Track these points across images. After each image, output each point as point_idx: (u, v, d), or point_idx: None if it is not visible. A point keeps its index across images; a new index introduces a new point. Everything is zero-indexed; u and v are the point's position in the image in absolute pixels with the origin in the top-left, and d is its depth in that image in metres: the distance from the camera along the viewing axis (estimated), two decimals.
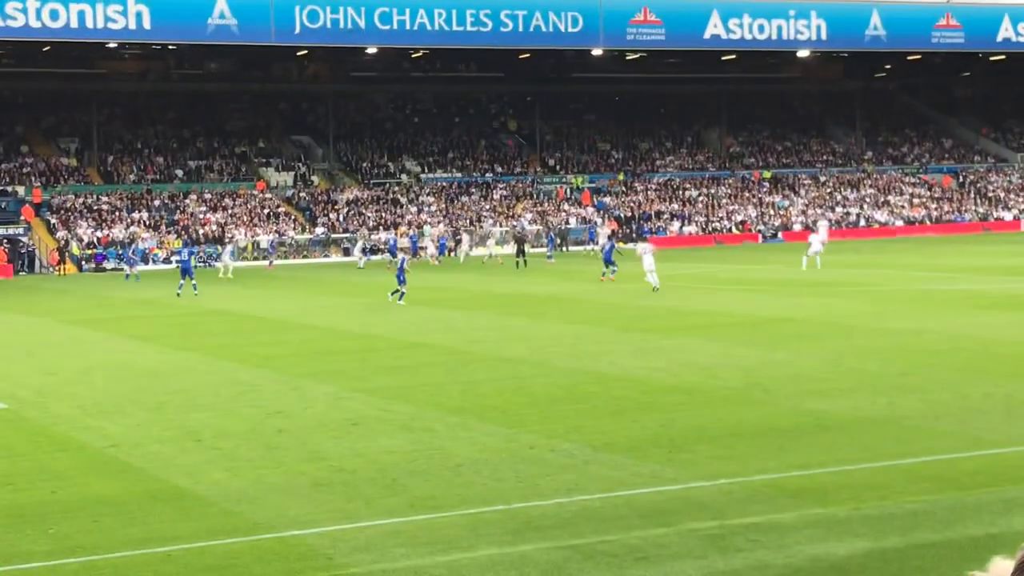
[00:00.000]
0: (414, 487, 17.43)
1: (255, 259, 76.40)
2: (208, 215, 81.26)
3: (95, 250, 74.35)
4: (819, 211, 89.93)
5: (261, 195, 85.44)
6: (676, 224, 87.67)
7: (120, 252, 73.76)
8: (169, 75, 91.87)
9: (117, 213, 79.60)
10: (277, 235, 79.60)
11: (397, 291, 44.92)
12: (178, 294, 50.78)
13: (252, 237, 78.87)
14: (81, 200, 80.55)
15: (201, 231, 78.87)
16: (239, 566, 14.12)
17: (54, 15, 70.71)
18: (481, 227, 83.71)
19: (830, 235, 72.42)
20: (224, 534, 15.28)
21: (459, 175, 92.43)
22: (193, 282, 51.89)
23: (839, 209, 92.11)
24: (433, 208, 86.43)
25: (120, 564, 14.28)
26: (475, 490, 17.09)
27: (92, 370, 30.28)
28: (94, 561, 14.39)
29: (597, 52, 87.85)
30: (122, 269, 71.27)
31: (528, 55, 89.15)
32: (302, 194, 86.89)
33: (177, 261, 54.13)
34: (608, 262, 52.74)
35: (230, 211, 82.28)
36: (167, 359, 31.93)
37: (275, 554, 14.53)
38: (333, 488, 17.47)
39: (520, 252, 64.76)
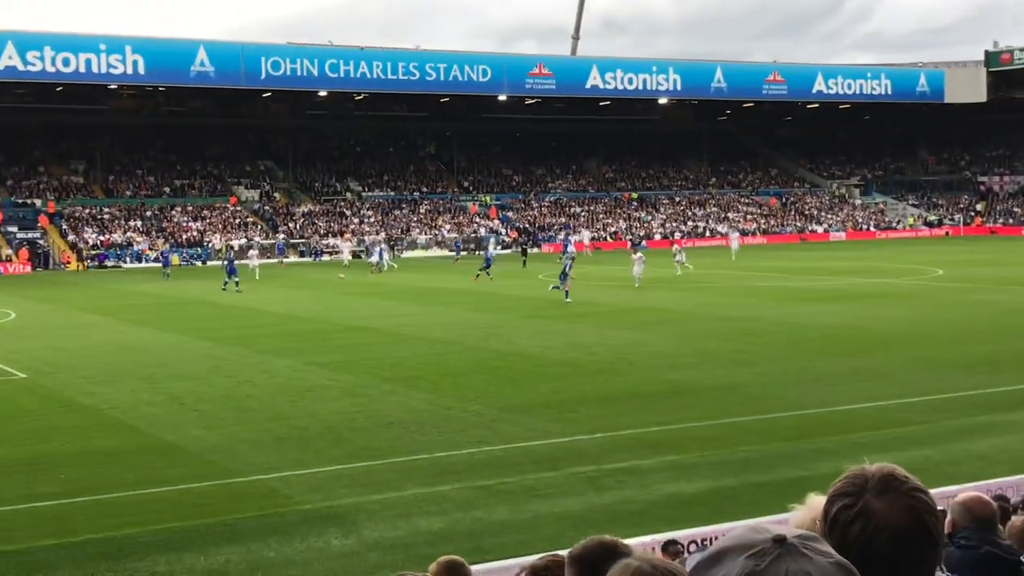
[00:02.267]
0: (355, 440, 17.38)
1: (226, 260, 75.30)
2: (190, 223, 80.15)
3: (98, 251, 73.03)
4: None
5: (233, 208, 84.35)
6: (562, 234, 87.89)
7: (118, 252, 72.71)
8: (159, 111, 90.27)
9: (116, 221, 78.18)
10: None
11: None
12: (224, 289, 47.82)
13: (226, 241, 77.78)
14: (87, 211, 78.99)
15: (184, 236, 77.77)
16: (216, 504, 14.00)
17: (66, 62, 69.70)
18: (410, 235, 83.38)
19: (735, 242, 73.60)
20: (203, 479, 15.14)
21: (393, 193, 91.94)
22: (236, 279, 48.56)
23: (690, 223, 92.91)
24: (372, 220, 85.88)
25: (119, 502, 14.09)
26: (404, 443, 17.08)
27: (95, 347, 29.75)
28: (98, 499, 14.19)
29: (502, 98, 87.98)
30: (119, 267, 70.25)
31: (448, 99, 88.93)
32: (266, 207, 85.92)
33: (223, 263, 50.39)
34: (488, 264, 51.68)
35: (208, 220, 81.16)
36: (157, 339, 31.45)
37: (244, 494, 14.42)
38: (291, 442, 17.37)
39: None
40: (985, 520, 5.00)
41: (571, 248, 66.01)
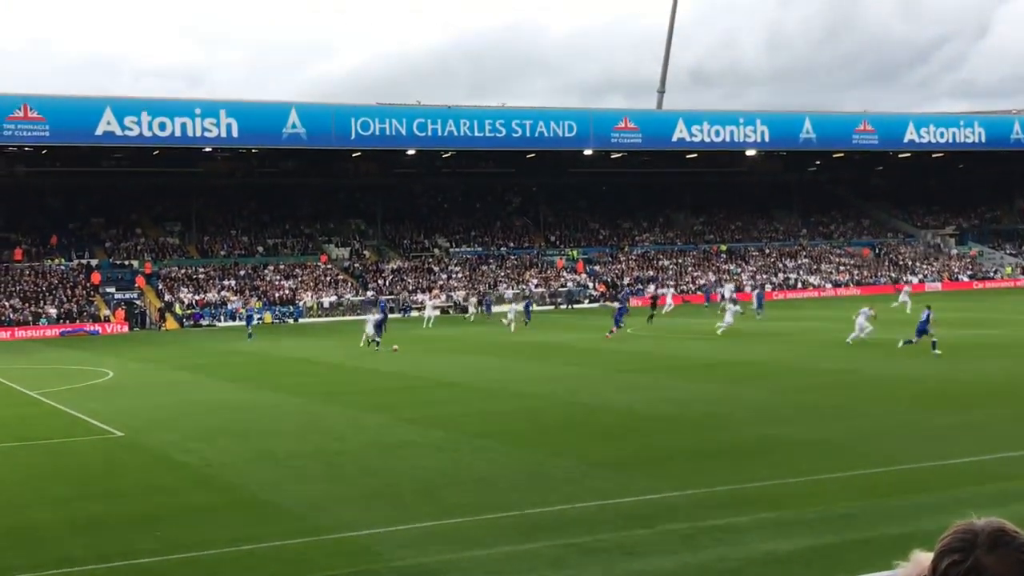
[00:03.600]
0: (446, 496, 17.34)
1: (318, 316, 76.51)
2: (282, 282, 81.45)
3: (193, 310, 74.54)
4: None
5: (324, 266, 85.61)
6: (651, 287, 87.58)
7: (213, 311, 74.17)
8: (252, 172, 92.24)
9: (211, 281, 79.80)
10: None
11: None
12: (377, 348, 46.39)
13: (317, 299, 78.91)
14: (183, 271, 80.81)
15: (276, 295, 79.02)
16: (308, 561, 14.05)
17: (163, 127, 71.61)
18: (497, 290, 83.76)
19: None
20: (296, 535, 15.21)
21: (480, 248, 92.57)
22: (378, 338, 46.94)
23: (780, 275, 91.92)
24: (459, 275, 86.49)
25: (214, 559, 14.21)
26: (493, 499, 17.00)
27: (190, 405, 30.25)
28: (194, 556, 14.33)
29: (588, 152, 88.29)
30: (214, 325, 71.56)
31: (533, 155, 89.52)
32: (356, 264, 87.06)
33: (375, 322, 49.07)
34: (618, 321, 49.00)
35: (299, 278, 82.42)
36: (250, 396, 31.89)
37: (336, 551, 14.45)
38: (382, 497, 17.39)
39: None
40: None
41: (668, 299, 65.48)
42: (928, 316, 37.40)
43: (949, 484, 16.84)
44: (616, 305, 58.10)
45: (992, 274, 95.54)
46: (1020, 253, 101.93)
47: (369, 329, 47.60)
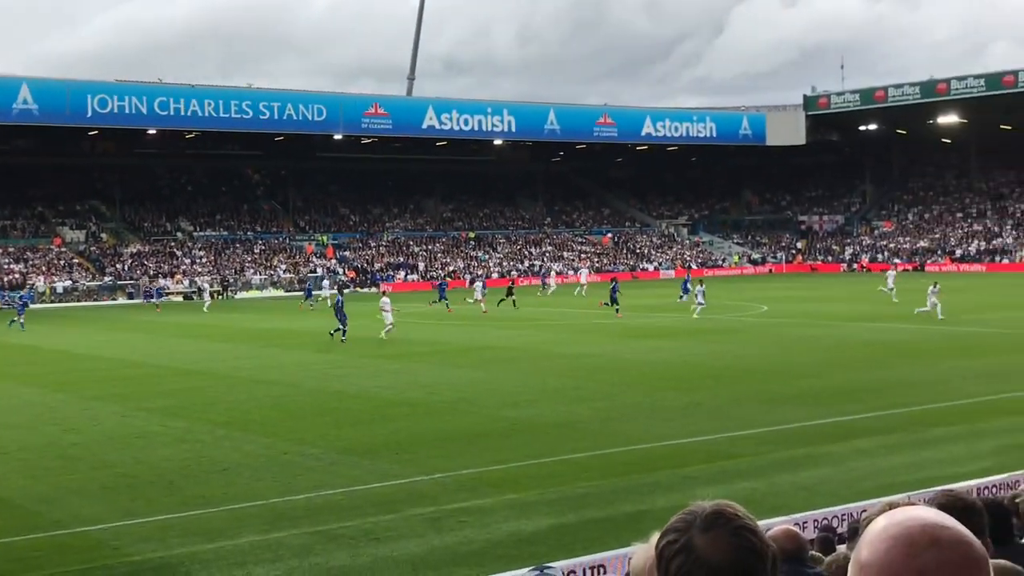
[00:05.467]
0: (187, 488, 16.90)
1: (51, 302, 72.68)
2: (12, 265, 76.99)
3: None
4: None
5: (57, 249, 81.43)
6: (402, 273, 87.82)
7: None
8: None
9: None
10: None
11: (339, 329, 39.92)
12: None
13: (50, 284, 74.97)
14: None
15: (6, 279, 74.60)
16: (40, 557, 13.40)
17: None
18: (244, 276, 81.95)
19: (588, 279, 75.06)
20: (28, 531, 14.48)
21: (225, 233, 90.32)
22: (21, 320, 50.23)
23: (526, 262, 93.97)
24: (204, 260, 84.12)
25: None
26: (238, 489, 16.69)
27: None
28: None
29: (338, 137, 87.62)
30: None
31: (282, 138, 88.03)
32: (92, 248, 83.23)
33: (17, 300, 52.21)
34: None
35: (31, 262, 78.11)
36: None
37: (70, 546, 13.85)
38: (119, 490, 16.77)
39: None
40: (792, 553, 5.19)
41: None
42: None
43: (680, 463, 17.70)
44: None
45: (721, 262, 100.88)
46: (746, 243, 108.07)
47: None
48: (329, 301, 59.96)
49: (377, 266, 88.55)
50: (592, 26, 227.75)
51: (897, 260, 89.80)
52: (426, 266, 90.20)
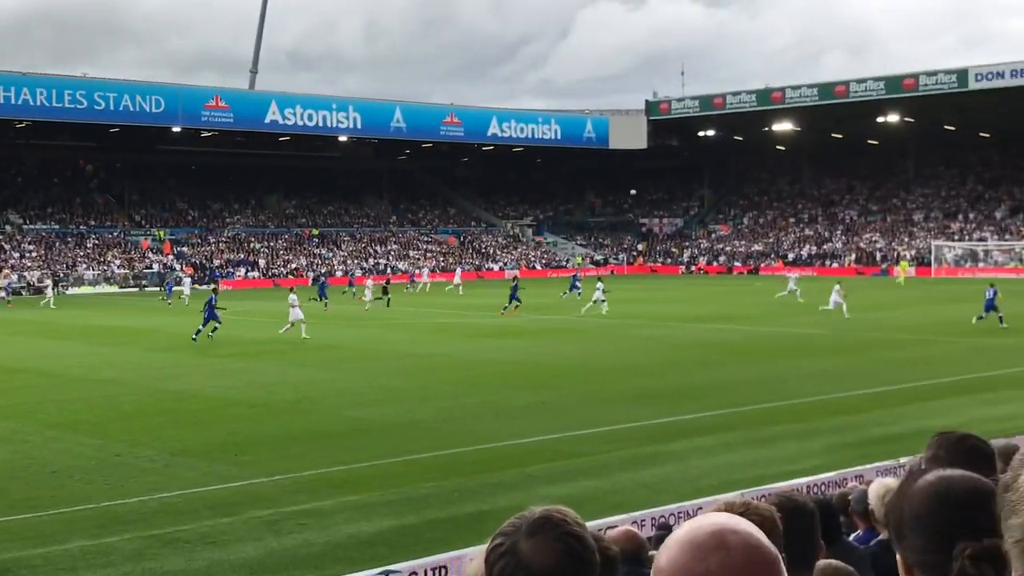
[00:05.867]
0: (14, 491, 16.17)
1: None
2: None
3: None
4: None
5: None
6: (242, 270, 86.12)
7: None
8: None
9: None
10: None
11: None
12: None
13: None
14: None
15: None
16: None
17: None
18: (76, 271, 79.08)
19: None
20: None
21: (57, 226, 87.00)
22: None
23: (371, 260, 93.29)
24: (34, 254, 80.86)
25: None
26: (68, 492, 16.05)
27: None
28: None
29: (176, 129, 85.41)
30: None
31: (118, 129, 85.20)
32: None
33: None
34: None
35: None
36: None
37: None
38: None
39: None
40: (631, 553, 5.23)
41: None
42: (995, 293, 40.28)
43: (523, 462, 17.77)
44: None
45: (565, 263, 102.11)
46: (590, 244, 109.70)
47: None
48: (187, 300, 58.81)
49: (216, 263, 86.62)
50: (440, 24, 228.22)
51: (787, 265, 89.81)
52: (267, 263, 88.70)
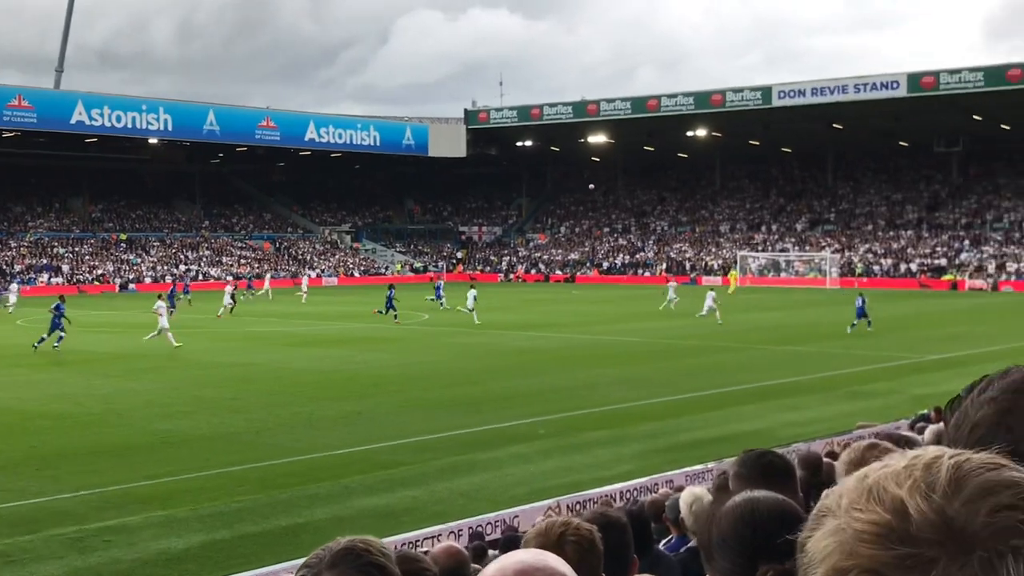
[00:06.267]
0: None
1: None
2: None
3: None
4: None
5: None
6: (45, 276, 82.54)
7: None
8: None
9: None
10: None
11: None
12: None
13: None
14: None
15: None
16: None
17: None
18: None
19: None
20: None
21: None
22: None
23: (182, 267, 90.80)
24: None
25: None
26: None
27: None
28: None
29: None
30: None
31: None
32: None
33: None
34: None
35: None
36: None
37: None
38: None
39: None
40: (452, 570, 5.26)
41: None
42: (863, 301, 42.51)
43: (340, 473, 17.61)
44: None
45: (384, 270, 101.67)
46: (409, 251, 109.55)
47: None
48: (11, 309, 55.81)
49: (17, 268, 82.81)
50: (257, 26, 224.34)
51: (668, 274, 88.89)
52: (72, 268, 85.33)
